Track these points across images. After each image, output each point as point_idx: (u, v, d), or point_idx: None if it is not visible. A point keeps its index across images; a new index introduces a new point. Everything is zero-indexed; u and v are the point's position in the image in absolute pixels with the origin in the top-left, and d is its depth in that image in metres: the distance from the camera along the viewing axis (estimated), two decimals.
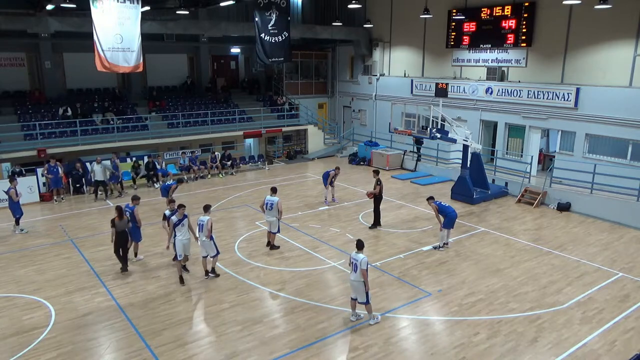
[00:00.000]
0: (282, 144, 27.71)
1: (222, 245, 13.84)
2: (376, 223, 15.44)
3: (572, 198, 17.43)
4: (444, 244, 13.82)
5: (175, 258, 11.64)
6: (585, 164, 17.62)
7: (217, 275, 11.87)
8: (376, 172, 15.60)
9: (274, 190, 13.60)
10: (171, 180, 18.37)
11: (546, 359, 8.68)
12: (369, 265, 9.66)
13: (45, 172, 18.18)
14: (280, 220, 13.45)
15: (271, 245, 13.61)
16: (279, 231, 13.52)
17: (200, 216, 11.64)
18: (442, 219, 13.44)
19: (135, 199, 12.94)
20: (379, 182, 15.22)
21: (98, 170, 18.66)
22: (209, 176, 22.34)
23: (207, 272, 11.86)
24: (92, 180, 18.92)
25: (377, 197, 15.30)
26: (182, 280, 11.57)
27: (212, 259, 11.79)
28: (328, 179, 17.87)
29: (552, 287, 11.44)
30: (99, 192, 18.91)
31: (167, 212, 11.94)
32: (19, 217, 15.17)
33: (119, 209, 12.09)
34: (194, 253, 12.63)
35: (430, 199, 13.82)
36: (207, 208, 11.80)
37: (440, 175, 21.97)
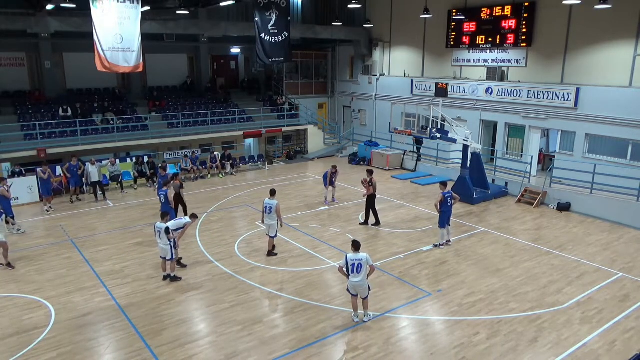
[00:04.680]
0: (282, 144, 27.71)
1: (222, 246, 13.94)
2: (367, 220, 15.62)
3: (572, 198, 17.43)
4: (446, 242, 13.86)
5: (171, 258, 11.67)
6: (585, 164, 17.62)
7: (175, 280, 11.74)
8: (370, 172, 15.65)
9: (272, 193, 13.12)
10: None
11: (546, 359, 8.69)
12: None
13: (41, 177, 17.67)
14: (280, 223, 13.17)
15: (269, 252, 13.20)
16: (276, 235, 13.12)
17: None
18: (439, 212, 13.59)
19: (167, 183, 14.82)
20: (371, 183, 15.30)
21: (93, 172, 18.45)
22: (209, 176, 22.34)
23: (178, 262, 12.18)
24: (89, 181, 18.81)
25: (370, 196, 15.42)
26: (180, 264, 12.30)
27: (169, 262, 11.68)
28: (327, 179, 17.87)
29: (552, 287, 11.44)
30: (99, 192, 18.81)
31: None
32: (11, 217, 15.02)
33: (174, 175, 16.01)
34: (195, 252, 12.74)
35: (442, 184, 13.90)
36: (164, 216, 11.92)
37: (440, 175, 21.94)
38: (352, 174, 22.95)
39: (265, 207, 12.82)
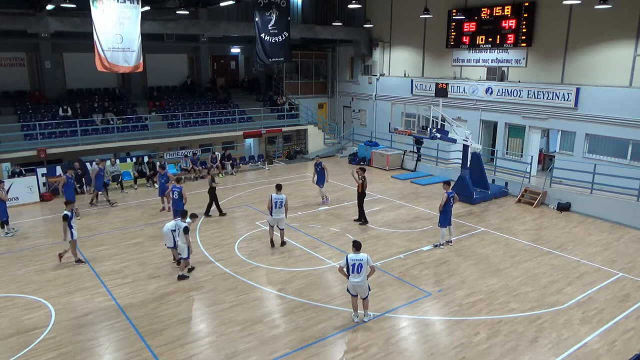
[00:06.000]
0: (282, 144, 27.71)
1: (222, 246, 13.96)
2: (362, 218, 15.72)
3: (572, 198, 17.42)
4: (446, 242, 13.88)
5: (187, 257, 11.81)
6: (585, 164, 17.62)
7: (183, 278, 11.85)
8: (362, 170, 15.69)
9: (279, 188, 13.68)
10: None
11: (546, 359, 8.69)
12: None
13: (62, 183, 16.91)
14: (285, 214, 13.61)
15: (282, 242, 13.80)
16: (284, 227, 13.80)
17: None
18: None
19: (179, 180, 15.49)
20: (363, 179, 15.39)
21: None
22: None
23: (179, 262, 12.21)
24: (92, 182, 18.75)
25: (360, 194, 15.56)
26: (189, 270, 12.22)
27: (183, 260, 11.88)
28: (313, 175, 17.97)
29: (552, 287, 11.44)
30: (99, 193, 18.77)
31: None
32: (5, 221, 14.86)
33: (207, 170, 16.94)
34: (195, 252, 12.78)
35: (446, 184, 13.96)
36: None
37: (440, 175, 21.95)
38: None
39: (275, 202, 13.31)
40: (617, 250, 13.80)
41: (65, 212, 12.37)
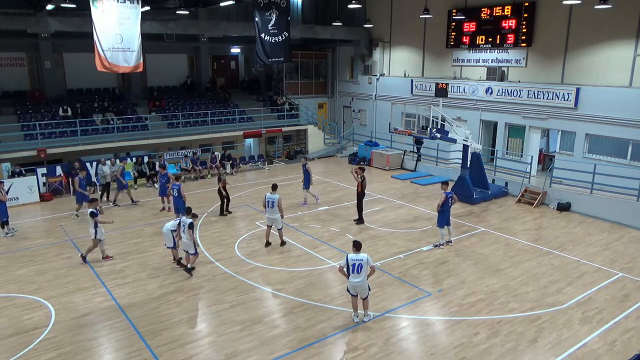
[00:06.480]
0: (282, 144, 27.71)
1: (222, 246, 13.96)
2: (360, 219, 15.69)
3: (572, 198, 17.42)
4: (446, 242, 13.88)
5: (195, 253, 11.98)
6: (585, 164, 17.62)
7: (189, 273, 11.98)
8: (362, 169, 15.71)
9: (274, 188, 13.70)
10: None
11: (546, 359, 8.69)
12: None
13: (77, 184, 16.59)
14: (281, 215, 13.58)
15: (281, 242, 13.79)
16: (281, 227, 13.76)
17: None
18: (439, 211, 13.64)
19: (179, 178, 15.78)
20: (362, 178, 15.39)
21: (107, 172, 18.19)
22: (209, 176, 22.31)
23: (179, 262, 12.45)
24: (99, 182, 18.74)
25: (359, 194, 15.56)
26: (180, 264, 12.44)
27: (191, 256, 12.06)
28: (309, 178, 17.93)
29: (552, 287, 11.44)
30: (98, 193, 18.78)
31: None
32: (5, 221, 14.80)
33: (218, 175, 17.25)
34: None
35: (444, 184, 13.94)
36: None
37: (440, 175, 21.93)
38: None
39: (268, 201, 13.32)
40: (617, 250, 13.80)
41: (91, 209, 12.57)
